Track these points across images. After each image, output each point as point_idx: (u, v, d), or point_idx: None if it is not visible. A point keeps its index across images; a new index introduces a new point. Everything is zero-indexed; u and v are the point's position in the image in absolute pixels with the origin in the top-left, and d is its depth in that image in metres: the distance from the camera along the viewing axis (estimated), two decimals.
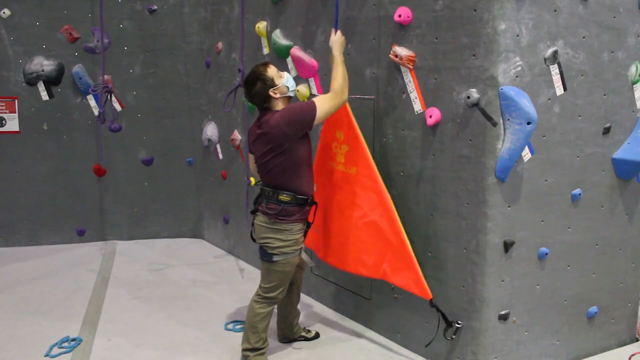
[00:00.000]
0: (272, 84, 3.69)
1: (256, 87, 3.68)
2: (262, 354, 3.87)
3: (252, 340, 3.82)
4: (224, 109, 5.41)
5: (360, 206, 3.95)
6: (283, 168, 3.68)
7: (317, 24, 4.52)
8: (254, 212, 3.88)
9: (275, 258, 3.74)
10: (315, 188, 3.94)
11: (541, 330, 3.75)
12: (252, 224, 3.87)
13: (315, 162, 4.16)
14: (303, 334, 4.26)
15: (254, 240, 3.88)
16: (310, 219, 3.90)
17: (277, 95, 3.71)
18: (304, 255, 3.95)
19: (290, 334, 4.22)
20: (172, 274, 5.65)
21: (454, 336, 3.68)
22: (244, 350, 3.86)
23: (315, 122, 3.65)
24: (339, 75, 3.73)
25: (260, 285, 3.88)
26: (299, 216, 3.76)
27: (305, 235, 3.88)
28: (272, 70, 3.72)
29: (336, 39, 3.85)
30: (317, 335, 4.29)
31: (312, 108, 3.62)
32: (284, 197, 3.69)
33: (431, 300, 3.70)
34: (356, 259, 4.02)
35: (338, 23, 3.99)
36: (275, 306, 4.01)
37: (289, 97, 3.81)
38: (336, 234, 4.14)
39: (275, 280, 3.81)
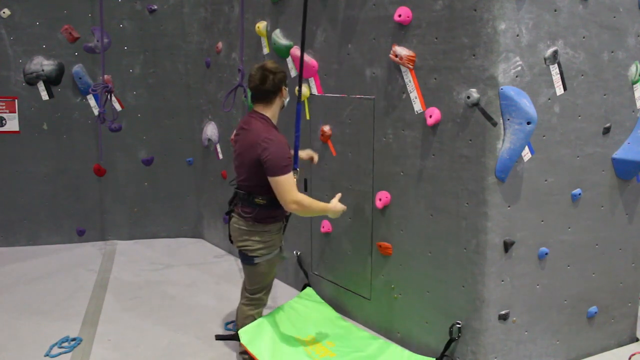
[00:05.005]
0: (285, 82, 3.76)
1: (277, 76, 3.66)
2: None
3: None
4: (224, 109, 5.41)
5: None
6: (256, 179, 3.66)
7: (317, 23, 4.52)
8: (229, 214, 3.86)
9: (256, 260, 3.73)
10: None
11: (541, 330, 3.75)
12: (228, 225, 3.85)
13: None
14: None
15: (231, 242, 3.86)
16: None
17: (283, 95, 3.75)
18: (283, 253, 3.95)
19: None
20: (172, 274, 5.65)
21: None
22: (240, 353, 3.87)
23: (268, 177, 3.55)
24: (312, 205, 3.65)
25: (245, 288, 3.89)
26: (274, 219, 3.75)
27: (283, 231, 3.89)
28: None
29: (336, 208, 3.78)
30: None
31: (282, 171, 3.53)
32: (259, 201, 3.67)
33: None
34: None
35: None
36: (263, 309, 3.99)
37: (283, 107, 3.84)
38: None
39: (259, 281, 3.83)
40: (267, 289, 3.90)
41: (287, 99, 3.78)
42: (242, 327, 3.86)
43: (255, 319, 3.90)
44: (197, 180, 6.61)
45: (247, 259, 3.76)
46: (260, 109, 3.71)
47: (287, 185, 3.54)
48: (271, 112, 3.71)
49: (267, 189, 3.62)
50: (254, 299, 3.87)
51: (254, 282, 3.84)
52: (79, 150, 6.35)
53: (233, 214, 3.83)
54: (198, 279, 5.50)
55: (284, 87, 3.71)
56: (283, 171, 3.53)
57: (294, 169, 3.91)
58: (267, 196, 3.64)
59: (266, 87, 3.64)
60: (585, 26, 3.56)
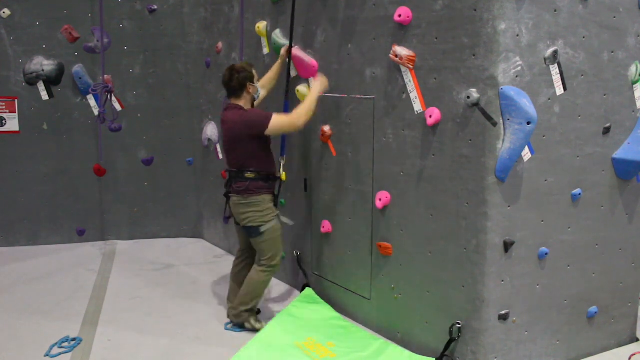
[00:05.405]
0: (252, 80, 4.30)
1: (241, 75, 4.25)
2: (257, 313, 4.50)
3: (251, 303, 4.34)
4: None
5: None
6: (244, 154, 4.22)
7: (317, 23, 4.53)
8: (227, 195, 4.38)
9: (262, 229, 4.25)
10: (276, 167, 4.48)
11: (541, 330, 3.75)
12: (227, 205, 4.38)
13: None
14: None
15: (237, 224, 4.39)
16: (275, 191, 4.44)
17: (250, 91, 4.28)
18: (282, 219, 4.46)
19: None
20: (172, 273, 5.65)
21: None
22: (242, 311, 4.33)
23: (267, 132, 4.16)
24: (306, 105, 4.25)
25: (260, 259, 4.36)
26: (266, 189, 4.29)
27: (275, 205, 4.39)
28: (254, 72, 4.36)
29: (316, 86, 4.33)
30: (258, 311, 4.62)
31: (267, 119, 4.14)
32: (249, 175, 4.23)
33: None
34: None
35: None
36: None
37: (253, 100, 4.41)
38: None
39: (272, 249, 4.32)
40: (279, 254, 4.39)
41: (258, 92, 4.36)
42: (252, 289, 4.32)
43: (267, 284, 4.39)
44: (197, 180, 6.61)
45: (254, 231, 4.29)
46: (234, 100, 4.32)
47: (282, 120, 4.19)
48: (243, 102, 4.31)
49: (256, 162, 4.23)
50: (271, 266, 4.34)
51: (268, 250, 4.32)
52: (79, 150, 6.35)
53: (230, 194, 4.34)
54: (198, 279, 5.50)
55: (249, 84, 4.28)
56: (268, 119, 4.14)
57: (281, 156, 4.57)
58: (255, 169, 4.23)
59: (233, 84, 4.27)
60: (585, 26, 3.56)
